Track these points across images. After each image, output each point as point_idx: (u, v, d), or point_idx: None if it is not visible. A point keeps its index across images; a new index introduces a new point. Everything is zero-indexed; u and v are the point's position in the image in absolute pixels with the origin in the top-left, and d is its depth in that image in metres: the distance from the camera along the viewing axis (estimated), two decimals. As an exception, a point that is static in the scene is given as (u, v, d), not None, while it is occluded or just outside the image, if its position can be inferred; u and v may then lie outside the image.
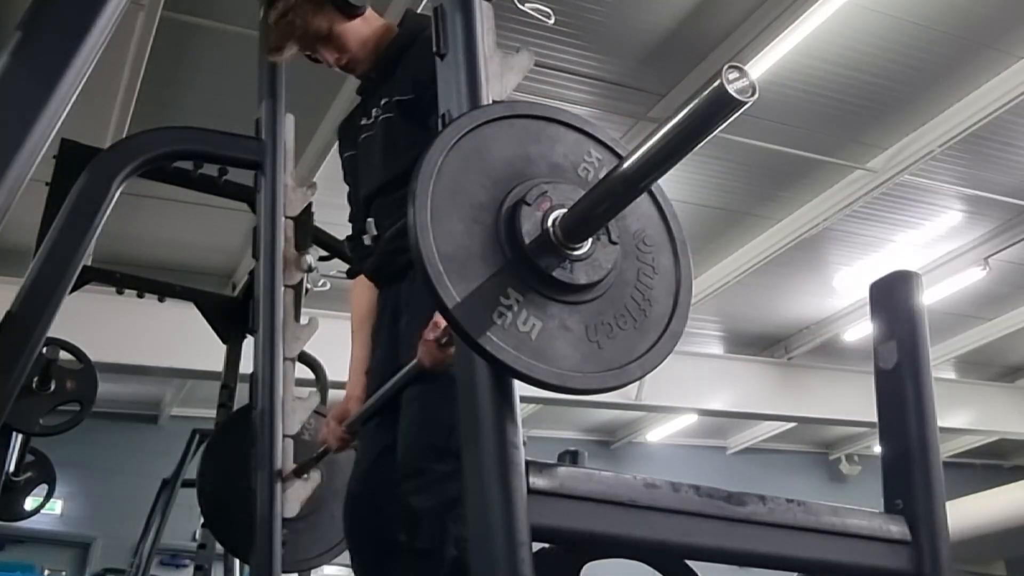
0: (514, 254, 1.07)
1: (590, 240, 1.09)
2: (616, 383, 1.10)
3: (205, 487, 2.60)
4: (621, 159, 1.08)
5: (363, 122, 2.15)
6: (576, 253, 1.08)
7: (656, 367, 1.13)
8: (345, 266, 3.62)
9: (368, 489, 1.96)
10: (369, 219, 2.03)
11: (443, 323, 1.58)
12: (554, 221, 1.08)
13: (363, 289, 2.13)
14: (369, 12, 2.12)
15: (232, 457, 2.41)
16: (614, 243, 1.12)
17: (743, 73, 0.90)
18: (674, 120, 0.96)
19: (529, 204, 1.08)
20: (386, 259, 2.00)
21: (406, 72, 2.02)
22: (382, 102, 2.07)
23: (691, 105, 0.94)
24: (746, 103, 0.91)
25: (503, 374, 1.06)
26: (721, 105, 0.92)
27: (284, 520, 2.22)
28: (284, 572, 2.18)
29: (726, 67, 0.90)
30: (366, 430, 2.02)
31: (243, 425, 2.40)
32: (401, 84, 2.02)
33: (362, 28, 2.11)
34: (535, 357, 1.04)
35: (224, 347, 3.56)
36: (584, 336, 1.09)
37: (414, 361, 1.69)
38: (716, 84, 0.90)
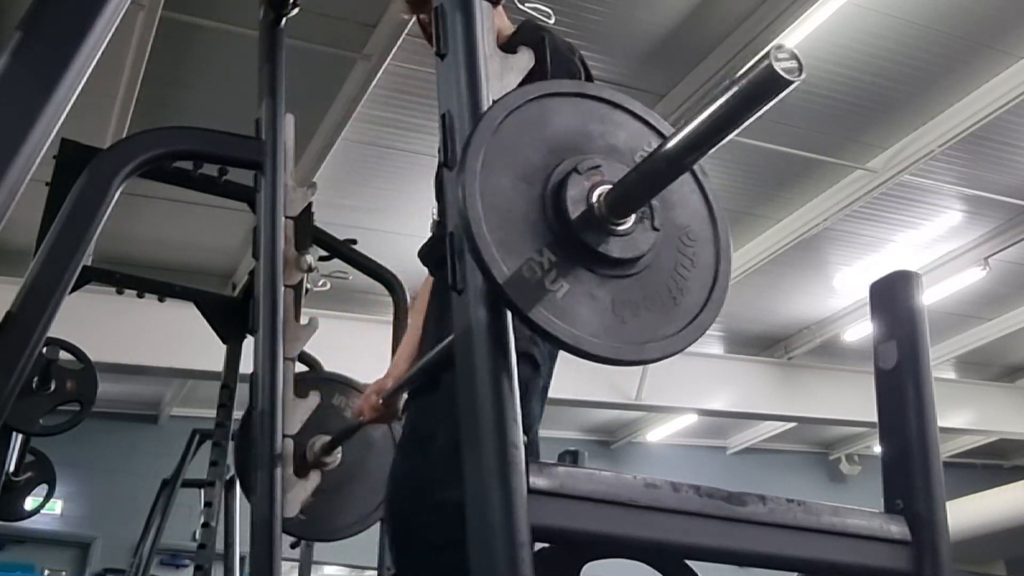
0: (556, 217, 1.10)
1: (632, 219, 1.12)
2: (631, 357, 1.12)
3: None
4: (665, 139, 1.10)
5: None
6: (616, 228, 1.11)
7: (677, 352, 1.15)
8: (345, 266, 3.64)
9: (404, 470, 1.97)
10: (434, 206, 2.09)
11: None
12: (600, 195, 1.11)
13: (427, 276, 2.19)
14: (500, 9, 2.17)
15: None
16: (656, 229, 1.15)
17: (791, 53, 0.93)
18: (721, 99, 0.99)
19: (580, 173, 1.12)
20: (433, 245, 2.05)
21: None
22: None
23: (739, 84, 0.97)
24: (794, 83, 0.94)
25: (524, 322, 1.07)
26: (769, 84, 0.95)
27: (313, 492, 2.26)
28: (313, 540, 2.22)
29: (774, 46, 0.93)
30: (409, 406, 2.07)
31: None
32: None
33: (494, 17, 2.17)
34: (556, 315, 1.07)
35: (224, 347, 3.55)
36: (609, 308, 1.11)
37: (448, 340, 1.70)
38: (765, 64, 0.93)
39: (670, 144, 1.06)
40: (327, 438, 2.33)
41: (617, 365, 1.13)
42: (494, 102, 1.14)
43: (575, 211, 1.10)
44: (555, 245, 1.09)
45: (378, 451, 2.30)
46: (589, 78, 2.13)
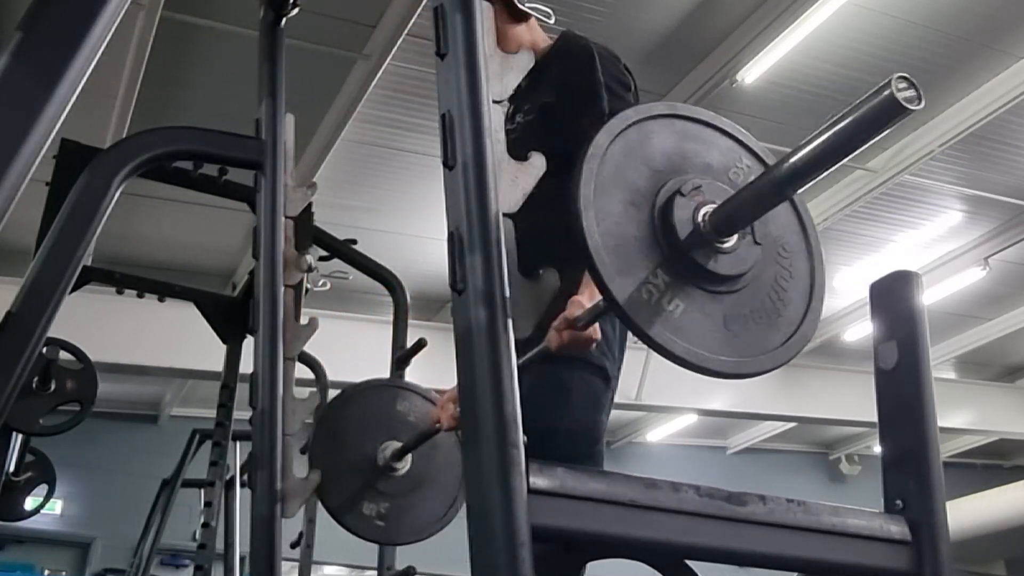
0: (666, 239, 1.14)
1: (736, 236, 1.16)
2: (747, 370, 1.16)
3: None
4: (776, 163, 1.14)
5: (507, 127, 2.26)
6: (722, 246, 1.15)
7: (784, 363, 1.20)
8: (345, 266, 3.64)
9: None
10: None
11: (576, 312, 1.65)
12: (704, 215, 1.15)
13: None
14: (533, 22, 2.24)
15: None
16: (757, 244, 1.19)
17: (910, 83, 0.98)
18: (836, 127, 1.02)
19: (683, 195, 1.16)
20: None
21: (552, 77, 2.12)
22: (525, 107, 2.17)
23: (857, 112, 1.01)
24: (913, 111, 0.98)
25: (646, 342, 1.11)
26: (889, 112, 0.99)
27: (386, 495, 2.31)
28: (393, 544, 2.25)
29: (895, 77, 0.98)
30: None
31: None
32: (546, 89, 2.11)
33: (522, 33, 2.21)
34: (675, 333, 1.11)
35: (224, 347, 3.55)
36: (722, 324, 1.16)
37: (540, 347, 1.71)
38: (887, 93, 0.97)
39: (781, 168, 1.10)
40: (396, 444, 2.36)
41: (733, 379, 1.18)
42: (602, 128, 1.18)
43: (683, 232, 1.14)
44: (667, 266, 1.14)
45: (444, 454, 2.35)
46: (633, 80, 2.16)
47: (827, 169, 1.07)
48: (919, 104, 0.97)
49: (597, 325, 1.68)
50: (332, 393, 4.09)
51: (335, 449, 2.39)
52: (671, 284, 1.13)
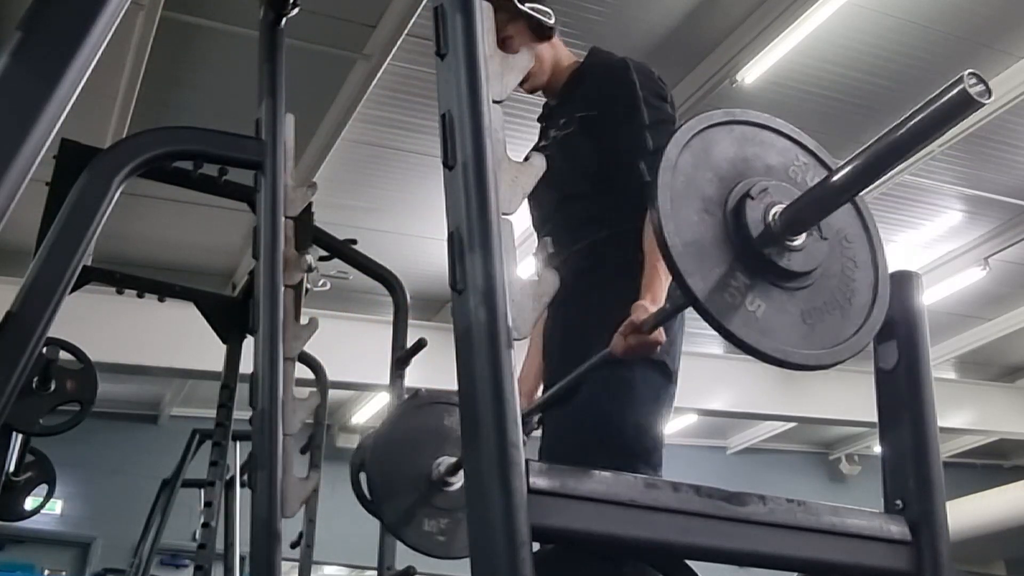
0: (741, 242, 1.20)
1: (804, 234, 1.21)
2: (829, 361, 1.22)
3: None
4: (845, 162, 1.20)
5: (541, 144, 2.29)
6: (793, 244, 1.21)
7: (860, 351, 1.25)
8: (345, 266, 3.64)
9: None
10: (546, 238, 2.19)
11: (643, 316, 1.69)
12: (774, 215, 1.20)
13: None
14: (557, 40, 2.29)
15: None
16: (824, 239, 1.24)
17: (979, 78, 1.03)
18: (908, 124, 1.08)
19: (753, 198, 1.21)
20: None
21: (588, 93, 2.17)
22: (561, 122, 2.21)
23: (929, 108, 1.06)
24: (984, 104, 1.04)
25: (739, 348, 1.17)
26: (961, 107, 1.04)
27: (444, 510, 2.34)
28: (455, 558, 2.29)
29: (967, 73, 1.03)
30: (546, 419, 2.15)
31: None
32: (583, 104, 2.16)
33: (545, 51, 2.26)
34: (762, 334, 1.16)
35: (224, 347, 3.55)
36: (800, 319, 1.21)
37: (603, 352, 1.73)
38: (959, 88, 1.03)
39: (849, 168, 1.16)
40: (452, 459, 2.37)
41: (815, 371, 1.23)
42: (669, 140, 1.23)
43: (755, 232, 1.20)
44: (744, 267, 1.19)
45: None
46: (668, 90, 2.19)
47: (895, 166, 1.13)
48: (988, 98, 1.03)
49: (662, 328, 1.71)
50: (332, 393, 4.08)
51: (390, 467, 2.42)
52: (750, 285, 1.18)
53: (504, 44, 2.17)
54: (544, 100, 2.40)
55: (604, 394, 1.93)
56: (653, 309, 1.74)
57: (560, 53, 2.29)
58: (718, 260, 1.18)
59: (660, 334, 1.72)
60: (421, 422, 2.46)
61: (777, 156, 1.31)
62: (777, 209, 1.21)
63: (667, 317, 1.71)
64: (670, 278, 1.83)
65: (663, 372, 2.00)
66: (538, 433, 2.20)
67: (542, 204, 2.20)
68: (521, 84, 2.26)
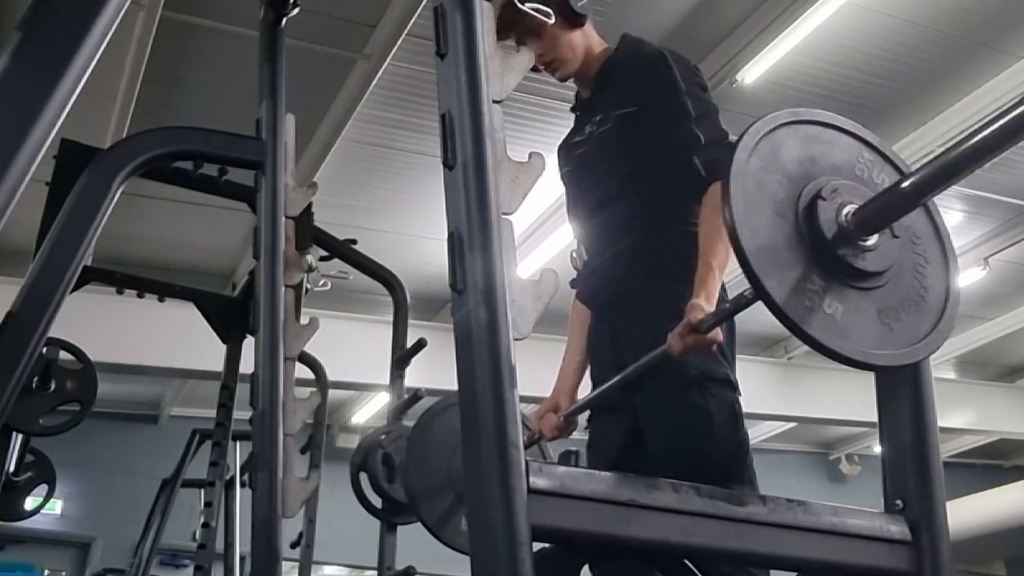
0: (814, 244, 1.19)
1: (877, 234, 1.21)
2: (909, 360, 1.22)
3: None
4: (923, 166, 1.19)
5: (576, 139, 2.24)
6: (867, 244, 1.20)
7: (938, 348, 1.26)
8: (345, 266, 3.64)
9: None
10: (580, 246, 2.17)
11: (699, 316, 1.67)
12: (847, 215, 1.20)
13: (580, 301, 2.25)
14: (588, 27, 2.23)
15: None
16: (896, 237, 1.24)
17: None
18: (987, 129, 1.07)
19: (824, 199, 1.20)
20: (597, 288, 2.12)
21: (626, 87, 2.11)
22: (597, 118, 2.15)
23: (1008, 116, 1.05)
24: None
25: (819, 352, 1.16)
26: None
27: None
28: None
29: None
30: (601, 421, 2.12)
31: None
32: (620, 99, 2.10)
33: (577, 38, 2.20)
34: (842, 337, 1.16)
35: (224, 347, 3.55)
36: (877, 319, 1.21)
37: (658, 350, 1.72)
38: None
39: (927, 170, 1.15)
40: None
41: (897, 369, 1.23)
42: (736, 144, 1.22)
43: (829, 232, 1.19)
44: (819, 270, 1.19)
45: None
46: (704, 78, 2.14)
47: (974, 170, 1.11)
48: None
49: (719, 328, 1.70)
50: (332, 393, 4.08)
51: (426, 469, 2.42)
52: (826, 287, 1.18)
53: (537, 36, 2.12)
54: (575, 89, 2.33)
55: (679, 424, 1.90)
56: (708, 308, 1.71)
57: (592, 40, 2.23)
58: (793, 263, 1.17)
59: (717, 333, 1.70)
60: (454, 424, 2.46)
61: (842, 154, 1.30)
62: (849, 209, 1.20)
63: (726, 317, 1.70)
64: (723, 276, 1.82)
65: (730, 387, 1.99)
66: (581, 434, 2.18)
67: (586, 201, 2.17)
68: (553, 72, 2.22)
